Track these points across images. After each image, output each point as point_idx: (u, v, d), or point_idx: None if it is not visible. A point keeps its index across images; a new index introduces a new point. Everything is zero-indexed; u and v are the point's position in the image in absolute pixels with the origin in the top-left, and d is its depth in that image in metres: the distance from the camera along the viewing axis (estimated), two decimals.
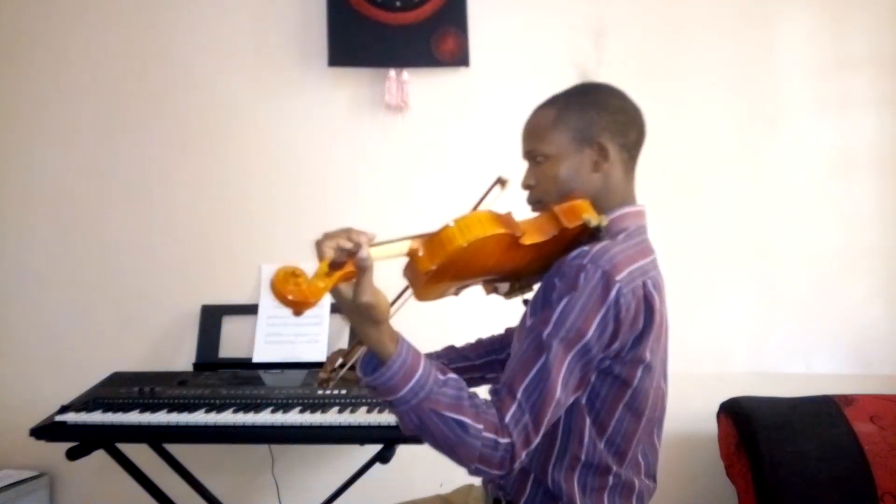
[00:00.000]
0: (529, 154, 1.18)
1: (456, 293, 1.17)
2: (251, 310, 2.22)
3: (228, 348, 2.21)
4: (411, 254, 0.98)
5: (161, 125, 2.40)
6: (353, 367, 1.22)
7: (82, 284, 2.40)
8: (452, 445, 0.96)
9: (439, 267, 0.97)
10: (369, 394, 0.96)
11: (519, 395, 0.97)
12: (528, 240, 1.04)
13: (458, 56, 2.29)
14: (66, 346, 2.38)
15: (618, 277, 1.01)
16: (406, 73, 2.30)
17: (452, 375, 0.99)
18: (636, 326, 1.04)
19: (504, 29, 2.34)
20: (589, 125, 1.13)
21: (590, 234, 1.09)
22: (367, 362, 0.97)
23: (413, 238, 0.98)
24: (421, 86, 2.31)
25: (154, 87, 2.40)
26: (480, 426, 0.95)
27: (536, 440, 0.99)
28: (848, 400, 2.00)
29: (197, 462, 2.11)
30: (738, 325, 2.29)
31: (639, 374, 1.06)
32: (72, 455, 1.75)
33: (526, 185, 1.19)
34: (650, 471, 1.19)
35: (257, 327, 2.18)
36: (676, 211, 2.30)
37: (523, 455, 0.98)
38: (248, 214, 2.36)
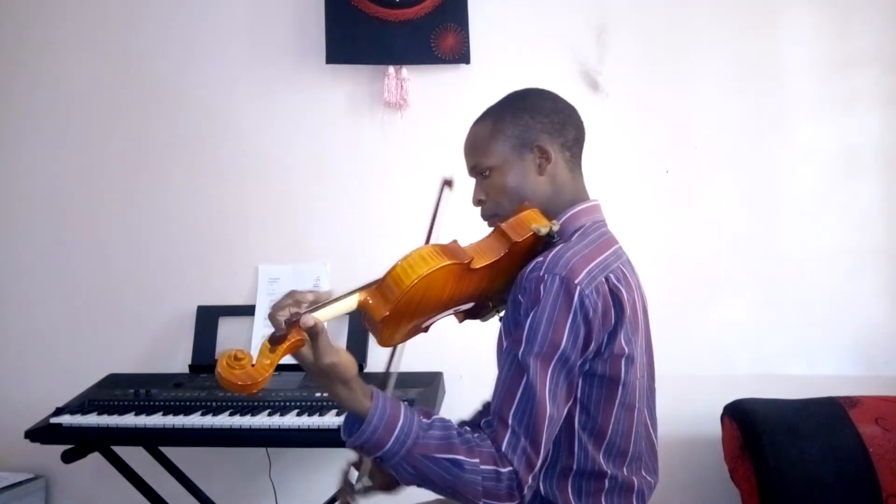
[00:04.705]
0: (474, 170, 1.19)
1: (426, 330, 1.18)
2: (248, 311, 2.20)
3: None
4: (363, 305, 0.98)
5: (156, 124, 2.39)
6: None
7: (77, 286, 2.39)
8: (453, 486, 0.95)
9: (393, 311, 0.96)
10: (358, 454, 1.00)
11: (510, 421, 0.97)
12: (479, 263, 1.04)
13: (458, 53, 2.26)
14: (61, 348, 2.37)
15: (577, 280, 1.00)
16: (405, 71, 2.27)
17: (437, 416, 0.99)
18: (608, 323, 1.04)
19: (505, 25, 2.32)
20: (526, 130, 1.15)
21: (545, 242, 1.09)
22: (347, 423, 0.97)
23: (361, 290, 0.98)
24: (421, 83, 2.29)
25: (149, 86, 2.39)
26: (476, 460, 0.94)
27: (539, 462, 0.98)
28: (853, 402, 1.98)
29: (193, 465, 2.09)
30: (741, 325, 2.27)
31: (623, 367, 1.06)
32: (67, 458, 1.76)
33: (477, 201, 1.20)
34: (651, 465, 1.18)
35: (254, 328, 2.17)
36: (679, 210, 2.28)
37: (530, 480, 0.97)
38: (245, 214, 2.35)
